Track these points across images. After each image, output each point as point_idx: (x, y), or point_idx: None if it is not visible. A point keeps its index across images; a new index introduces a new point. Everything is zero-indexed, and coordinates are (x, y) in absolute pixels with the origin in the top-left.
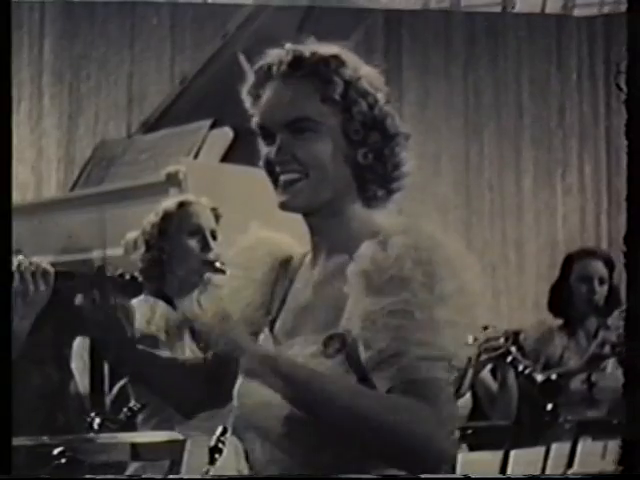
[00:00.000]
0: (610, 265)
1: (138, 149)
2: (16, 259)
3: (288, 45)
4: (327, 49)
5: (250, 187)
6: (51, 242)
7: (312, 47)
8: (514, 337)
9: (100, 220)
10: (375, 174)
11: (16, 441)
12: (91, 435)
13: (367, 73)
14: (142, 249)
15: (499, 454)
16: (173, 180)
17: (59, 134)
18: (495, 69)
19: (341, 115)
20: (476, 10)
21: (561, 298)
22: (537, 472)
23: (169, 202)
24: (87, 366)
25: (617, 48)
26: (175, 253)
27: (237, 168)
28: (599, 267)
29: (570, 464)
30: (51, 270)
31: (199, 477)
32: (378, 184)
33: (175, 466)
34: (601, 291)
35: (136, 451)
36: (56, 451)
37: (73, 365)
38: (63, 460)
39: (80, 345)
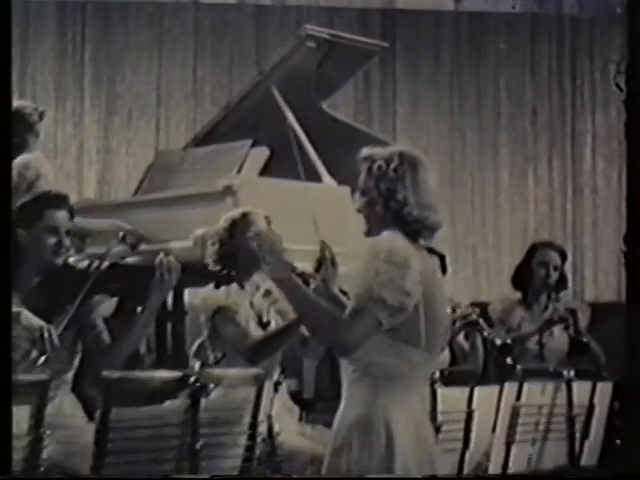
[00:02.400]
0: (563, 256)
1: (192, 160)
2: (157, 257)
3: None
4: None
5: (288, 196)
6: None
7: None
8: (482, 309)
9: (168, 218)
10: None
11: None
12: (197, 371)
13: None
14: (217, 246)
15: (467, 390)
16: (229, 191)
17: (97, 129)
18: (477, 73)
19: None
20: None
21: (523, 277)
22: (493, 402)
23: (235, 212)
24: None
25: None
26: (241, 249)
27: (277, 181)
28: (555, 257)
29: (518, 398)
30: (178, 264)
31: (201, 477)
32: None
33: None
34: (554, 275)
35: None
36: (191, 379)
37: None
38: (188, 388)
39: None
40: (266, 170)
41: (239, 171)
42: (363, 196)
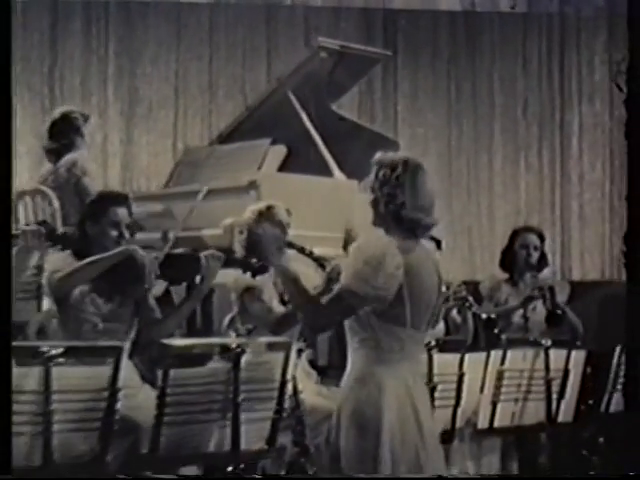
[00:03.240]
0: (541, 237)
1: (218, 156)
2: (203, 254)
3: None
4: None
5: (303, 189)
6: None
7: None
8: (473, 287)
9: (199, 209)
10: None
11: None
12: (233, 339)
13: None
14: (245, 235)
15: (458, 355)
16: (252, 185)
17: (120, 120)
18: (472, 67)
19: None
20: None
21: (508, 259)
22: (481, 367)
23: (261, 205)
24: None
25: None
26: (265, 238)
27: (294, 176)
28: (534, 239)
29: (503, 363)
30: (222, 255)
31: (204, 477)
32: None
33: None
34: (535, 255)
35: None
36: (233, 346)
37: None
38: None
39: None
40: (284, 166)
41: (260, 167)
42: (371, 193)
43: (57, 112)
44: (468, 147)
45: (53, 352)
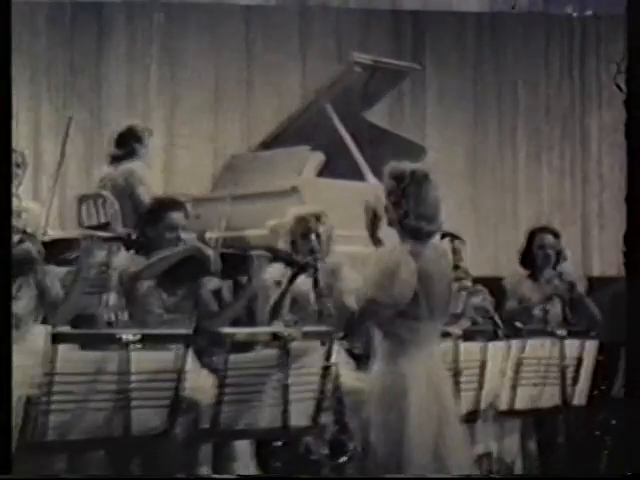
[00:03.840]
0: (557, 235)
1: (261, 161)
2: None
3: None
4: None
5: (340, 193)
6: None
7: None
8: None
9: (244, 210)
10: None
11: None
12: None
13: None
14: (289, 237)
15: (481, 344)
16: (294, 189)
17: (163, 124)
18: (497, 72)
19: None
20: None
21: (527, 259)
22: (503, 354)
23: (302, 209)
24: None
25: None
26: (304, 240)
27: (331, 181)
28: (550, 238)
29: (522, 351)
30: (270, 254)
31: (204, 477)
32: None
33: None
34: (552, 253)
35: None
36: (283, 334)
37: None
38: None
39: None
40: (322, 171)
41: (300, 172)
42: (384, 200)
43: (124, 125)
44: (493, 149)
45: (131, 338)
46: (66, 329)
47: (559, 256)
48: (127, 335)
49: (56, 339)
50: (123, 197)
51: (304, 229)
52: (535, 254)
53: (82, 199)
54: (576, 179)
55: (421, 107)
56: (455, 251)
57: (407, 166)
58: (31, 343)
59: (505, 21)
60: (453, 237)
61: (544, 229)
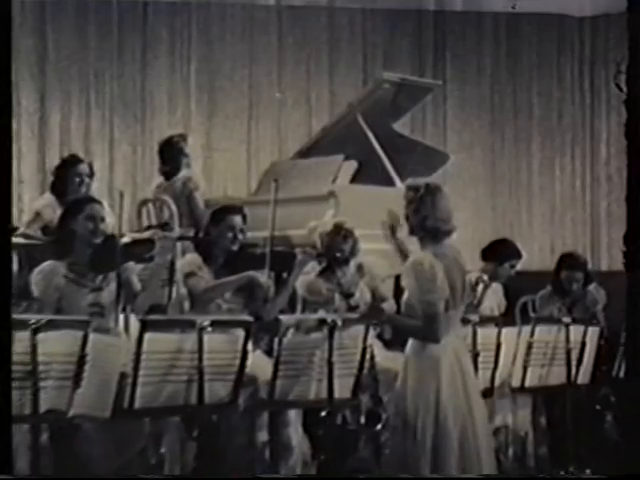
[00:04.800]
0: (584, 266)
1: (299, 168)
2: (298, 251)
3: None
4: None
5: (371, 198)
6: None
7: None
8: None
9: (285, 213)
10: None
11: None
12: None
13: None
14: (326, 237)
15: (497, 329)
16: (331, 195)
17: (201, 129)
18: (513, 81)
19: None
20: None
21: (556, 284)
22: (515, 338)
23: (339, 217)
24: None
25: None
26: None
27: (363, 187)
28: (579, 275)
29: (532, 335)
30: (314, 251)
31: (200, 478)
32: None
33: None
34: (578, 285)
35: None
36: (329, 320)
37: None
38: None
39: None
40: (354, 178)
41: (335, 179)
42: (404, 210)
43: (162, 139)
44: (509, 152)
45: (205, 323)
46: (154, 316)
47: (586, 280)
48: (201, 320)
49: (144, 325)
50: (180, 201)
51: (338, 232)
52: (562, 282)
53: (142, 203)
54: (586, 180)
55: (441, 113)
56: None
57: (422, 180)
58: (120, 329)
59: (522, 37)
60: None
61: (572, 265)
